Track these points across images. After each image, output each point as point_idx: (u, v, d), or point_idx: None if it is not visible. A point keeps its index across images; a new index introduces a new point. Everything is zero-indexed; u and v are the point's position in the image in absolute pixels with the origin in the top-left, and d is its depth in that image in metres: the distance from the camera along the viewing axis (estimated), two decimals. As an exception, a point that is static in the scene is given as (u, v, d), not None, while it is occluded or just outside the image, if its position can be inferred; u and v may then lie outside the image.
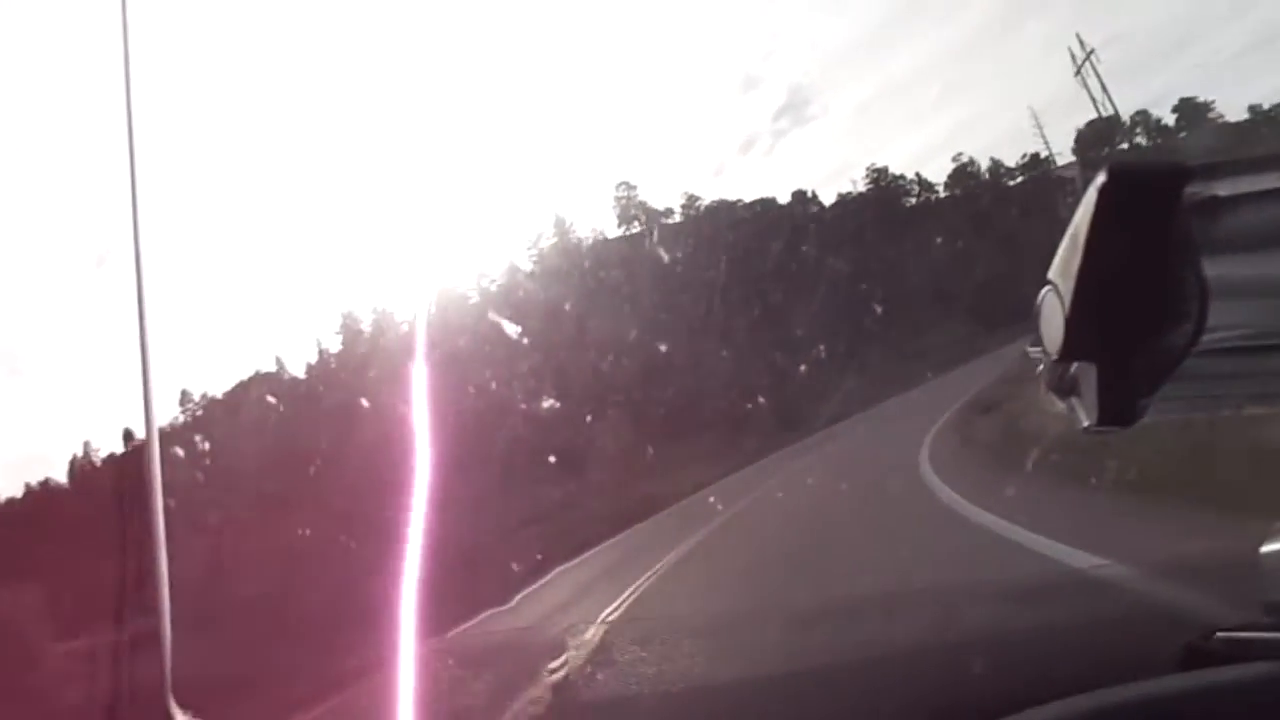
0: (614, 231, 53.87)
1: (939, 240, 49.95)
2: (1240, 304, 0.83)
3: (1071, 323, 0.84)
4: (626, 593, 10.14)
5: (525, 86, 68.00)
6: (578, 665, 2.59)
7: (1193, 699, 1.24)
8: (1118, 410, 0.86)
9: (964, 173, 63.50)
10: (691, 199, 57.92)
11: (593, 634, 3.05)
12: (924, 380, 33.19)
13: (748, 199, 57.81)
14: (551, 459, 21.37)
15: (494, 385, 21.38)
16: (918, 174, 62.61)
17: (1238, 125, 61.26)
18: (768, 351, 33.29)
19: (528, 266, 42.94)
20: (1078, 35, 48.65)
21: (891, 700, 1.73)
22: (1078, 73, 52.96)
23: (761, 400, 31.58)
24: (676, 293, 32.13)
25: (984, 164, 64.59)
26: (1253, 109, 61.95)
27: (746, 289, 36.73)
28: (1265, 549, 1.22)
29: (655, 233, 52.76)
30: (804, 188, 63.07)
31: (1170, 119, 58.24)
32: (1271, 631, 1.24)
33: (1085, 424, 0.89)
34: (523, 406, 21.76)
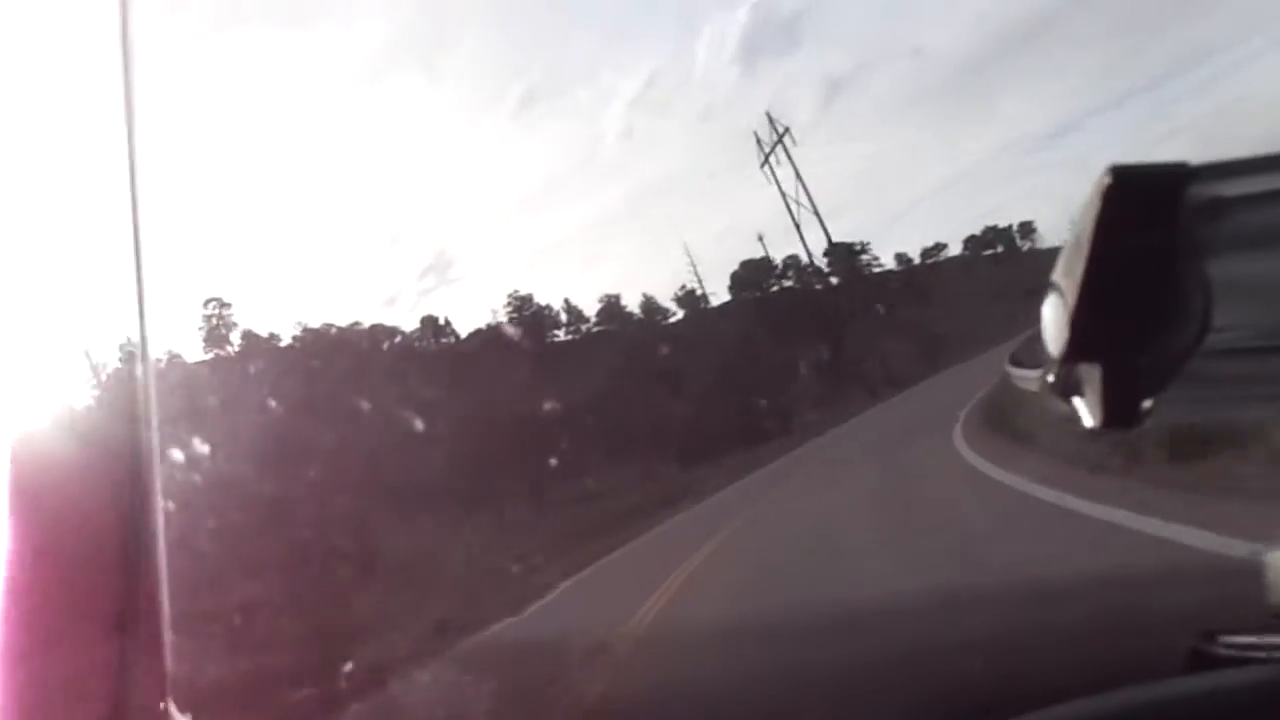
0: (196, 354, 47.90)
1: (582, 376, 43.98)
2: (1245, 305, 0.83)
3: (1075, 324, 0.84)
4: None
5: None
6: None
7: (1197, 702, 1.24)
8: (1122, 411, 0.86)
9: (615, 309, 59.96)
10: (307, 329, 51.60)
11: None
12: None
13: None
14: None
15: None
16: (566, 301, 58.57)
17: (882, 275, 66.64)
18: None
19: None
20: (768, 114, 50.78)
21: (893, 702, 1.73)
22: (764, 164, 53.74)
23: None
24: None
25: (648, 301, 61.58)
26: (900, 257, 71.70)
27: (319, 422, 29.20)
28: (1270, 550, 1.22)
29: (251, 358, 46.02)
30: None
31: (823, 263, 61.22)
32: (1277, 634, 1.24)
33: (1089, 425, 0.88)
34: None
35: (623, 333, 56.42)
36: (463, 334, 58.30)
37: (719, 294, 64.90)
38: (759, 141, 50.97)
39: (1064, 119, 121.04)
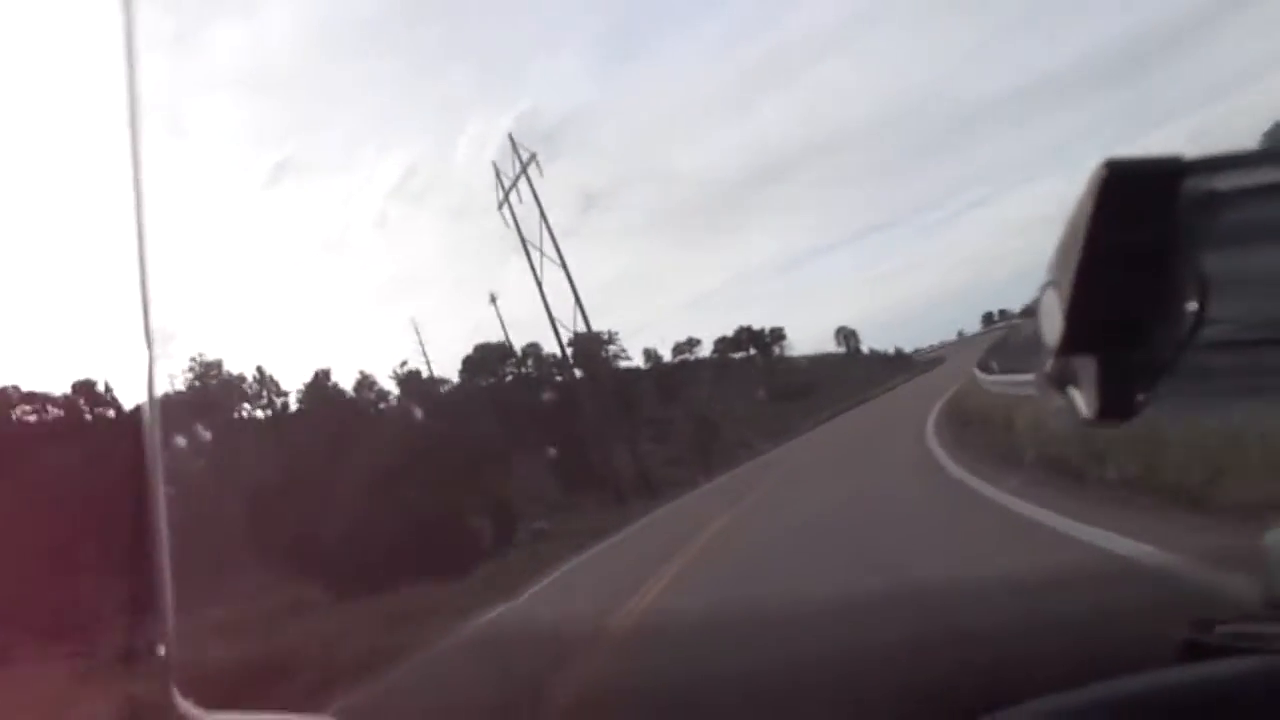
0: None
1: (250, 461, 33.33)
2: (1238, 298, 0.83)
3: (1070, 316, 0.84)
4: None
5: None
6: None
7: (1192, 692, 1.24)
8: (1117, 403, 0.87)
9: (322, 386, 46.98)
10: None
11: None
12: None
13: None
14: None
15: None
16: (260, 370, 45.79)
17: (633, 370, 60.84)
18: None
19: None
20: (510, 137, 42.06)
21: (889, 692, 1.73)
22: (502, 205, 41.88)
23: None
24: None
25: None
26: (649, 353, 65.62)
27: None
28: (1265, 541, 1.23)
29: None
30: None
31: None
32: (1272, 624, 1.25)
33: (1084, 416, 0.89)
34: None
35: (316, 412, 44.55)
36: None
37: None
38: (498, 175, 43.14)
39: (808, 247, 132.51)
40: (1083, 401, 0.89)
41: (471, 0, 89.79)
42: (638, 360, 66.77)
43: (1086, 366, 0.88)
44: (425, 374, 52.92)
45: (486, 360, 55.72)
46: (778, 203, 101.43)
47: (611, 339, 60.58)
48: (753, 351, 73.70)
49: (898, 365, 76.24)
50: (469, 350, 55.61)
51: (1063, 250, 0.85)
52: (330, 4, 75.63)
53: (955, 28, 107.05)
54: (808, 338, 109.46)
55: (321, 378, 46.55)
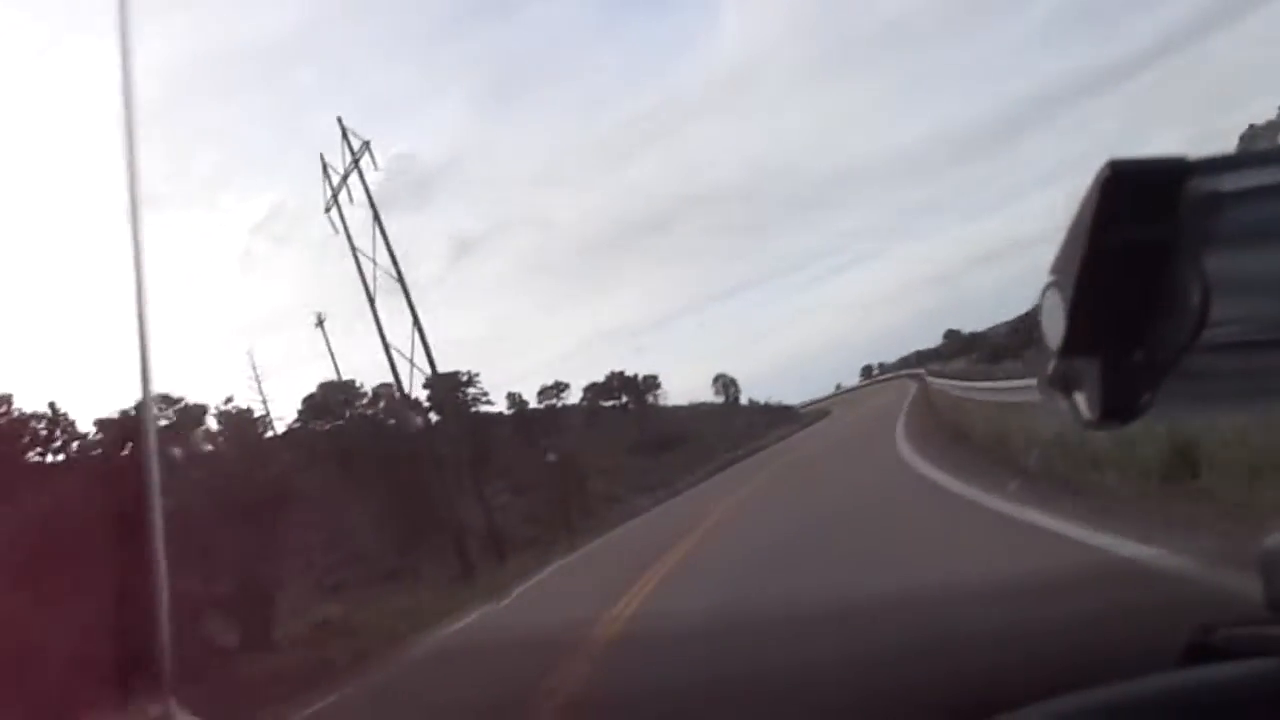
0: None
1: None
2: (1242, 299, 0.83)
3: (1073, 318, 0.84)
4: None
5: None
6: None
7: (1194, 695, 1.24)
8: (1119, 406, 0.87)
9: (129, 424, 34.20)
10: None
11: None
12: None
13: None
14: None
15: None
16: (53, 407, 38.11)
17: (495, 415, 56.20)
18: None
19: None
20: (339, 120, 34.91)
21: (890, 696, 1.72)
22: (330, 208, 35.45)
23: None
24: None
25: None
26: (512, 397, 61.24)
27: None
28: (1268, 543, 1.24)
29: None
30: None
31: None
32: (1276, 626, 1.24)
33: (1087, 419, 0.89)
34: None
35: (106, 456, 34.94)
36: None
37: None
38: (325, 170, 35.10)
39: (685, 300, 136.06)
40: (1085, 404, 0.89)
41: (346, 43, 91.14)
42: (501, 405, 60.57)
43: (1089, 368, 0.87)
44: (261, 412, 44.25)
45: (330, 400, 48.68)
46: (655, 255, 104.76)
47: (471, 380, 56.24)
48: (625, 399, 69.12)
49: (781, 417, 71.61)
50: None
51: (1065, 251, 0.85)
52: (203, 37, 74.59)
53: (833, 93, 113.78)
54: (685, 388, 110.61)
55: (126, 418, 35.63)
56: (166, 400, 38.16)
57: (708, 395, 78.31)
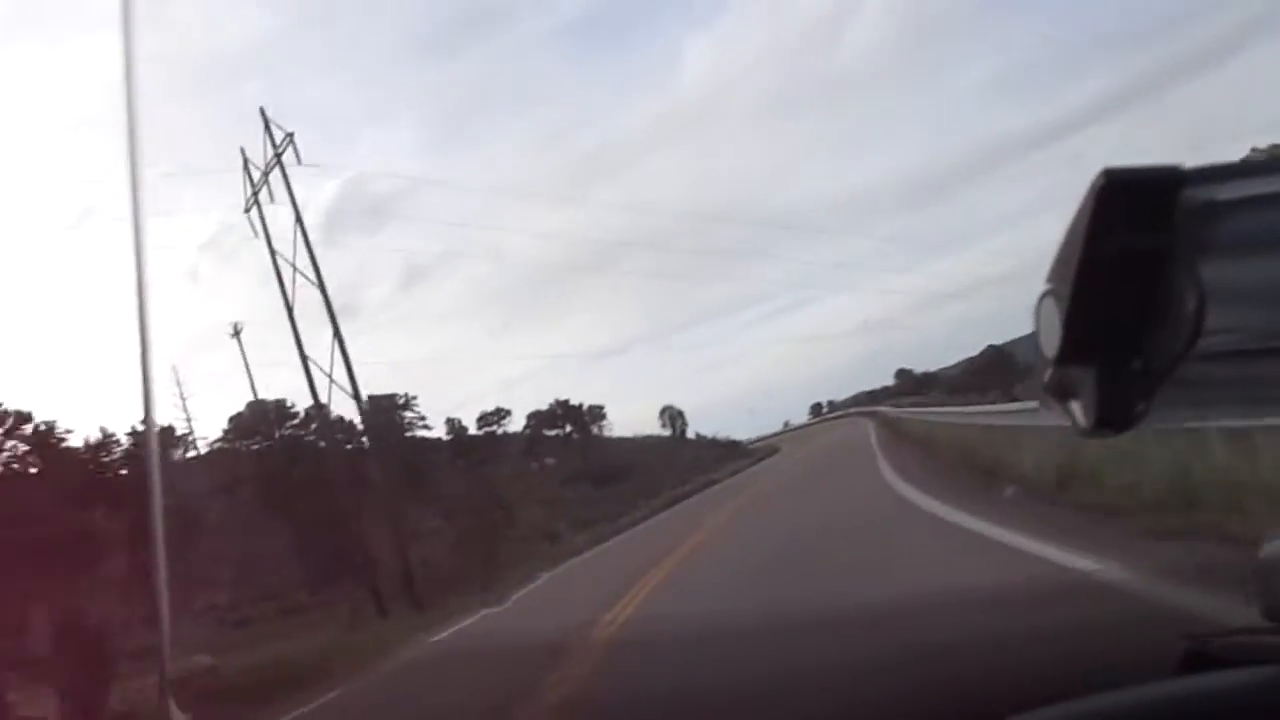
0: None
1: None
2: (1237, 308, 0.83)
3: (1069, 326, 0.85)
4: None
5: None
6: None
7: (1191, 703, 1.24)
8: (1115, 414, 0.87)
9: (45, 440, 35.32)
10: None
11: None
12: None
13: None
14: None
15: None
16: None
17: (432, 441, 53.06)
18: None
19: None
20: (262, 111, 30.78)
21: (889, 703, 1.71)
22: (249, 207, 31.40)
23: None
24: None
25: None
26: (452, 423, 59.30)
27: None
28: (1263, 553, 1.24)
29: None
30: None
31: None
32: (1272, 635, 1.25)
33: (1083, 427, 0.89)
34: None
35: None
36: None
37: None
38: (246, 167, 31.72)
39: (635, 334, 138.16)
40: (1081, 412, 0.89)
41: (304, 63, 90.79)
42: (441, 430, 58.46)
43: (1085, 376, 0.88)
44: (181, 431, 43.67)
45: (257, 420, 44.60)
46: (604, 287, 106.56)
47: (408, 403, 52.75)
48: (569, 429, 66.86)
49: (730, 452, 68.35)
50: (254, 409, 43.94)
51: (1061, 259, 0.86)
52: (156, 45, 72.38)
53: (786, 136, 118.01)
54: (631, 420, 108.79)
55: (44, 432, 35.11)
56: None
57: (654, 428, 76.91)
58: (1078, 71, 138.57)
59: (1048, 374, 0.90)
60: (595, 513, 41.74)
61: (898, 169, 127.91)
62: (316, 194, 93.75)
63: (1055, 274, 0.87)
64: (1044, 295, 0.88)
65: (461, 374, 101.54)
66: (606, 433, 68.64)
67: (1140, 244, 0.83)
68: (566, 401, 67.13)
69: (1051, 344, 0.87)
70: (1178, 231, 0.83)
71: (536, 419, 66.30)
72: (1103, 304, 0.84)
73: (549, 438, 65.56)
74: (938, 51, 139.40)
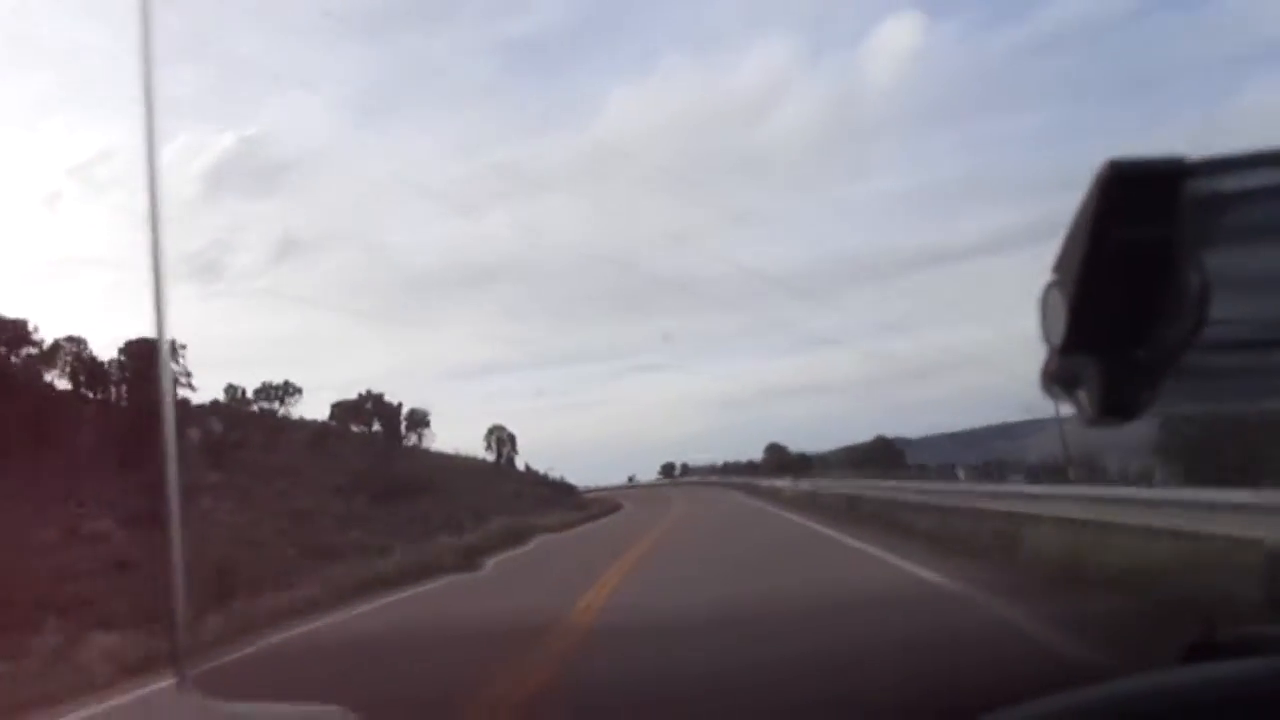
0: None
1: None
2: (1242, 298, 0.84)
3: (1074, 316, 0.85)
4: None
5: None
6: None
7: (1196, 693, 1.24)
8: (1120, 404, 0.88)
9: None
10: None
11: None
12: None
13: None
14: None
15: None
16: None
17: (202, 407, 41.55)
18: None
19: None
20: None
21: (889, 691, 1.71)
22: None
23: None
24: None
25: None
26: (232, 389, 49.61)
27: None
28: (1271, 545, 1.25)
29: None
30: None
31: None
32: (1277, 625, 1.29)
33: (1088, 416, 0.89)
34: None
35: None
36: None
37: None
38: None
39: (490, 359, 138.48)
40: (1086, 402, 0.89)
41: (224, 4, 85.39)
42: (218, 394, 47.93)
43: (1090, 366, 0.88)
44: None
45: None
46: (474, 307, 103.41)
47: (175, 353, 35.58)
48: (377, 428, 55.14)
49: (560, 496, 57.25)
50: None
51: (1066, 250, 0.86)
52: None
53: (687, 202, 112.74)
54: (459, 440, 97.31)
55: None
56: None
57: (479, 452, 66.55)
58: (987, 201, 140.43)
59: (1053, 364, 0.91)
60: (370, 538, 25.20)
61: (793, 256, 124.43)
62: (206, 144, 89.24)
63: (1060, 264, 0.87)
64: (1049, 285, 0.89)
65: (310, 360, 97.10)
66: (425, 443, 58.26)
67: (1145, 234, 0.83)
68: (380, 396, 56.21)
69: (1056, 334, 0.88)
70: (1182, 222, 0.83)
71: (341, 409, 55.38)
72: (1107, 294, 0.84)
73: (345, 432, 53.54)
74: (853, 156, 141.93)
